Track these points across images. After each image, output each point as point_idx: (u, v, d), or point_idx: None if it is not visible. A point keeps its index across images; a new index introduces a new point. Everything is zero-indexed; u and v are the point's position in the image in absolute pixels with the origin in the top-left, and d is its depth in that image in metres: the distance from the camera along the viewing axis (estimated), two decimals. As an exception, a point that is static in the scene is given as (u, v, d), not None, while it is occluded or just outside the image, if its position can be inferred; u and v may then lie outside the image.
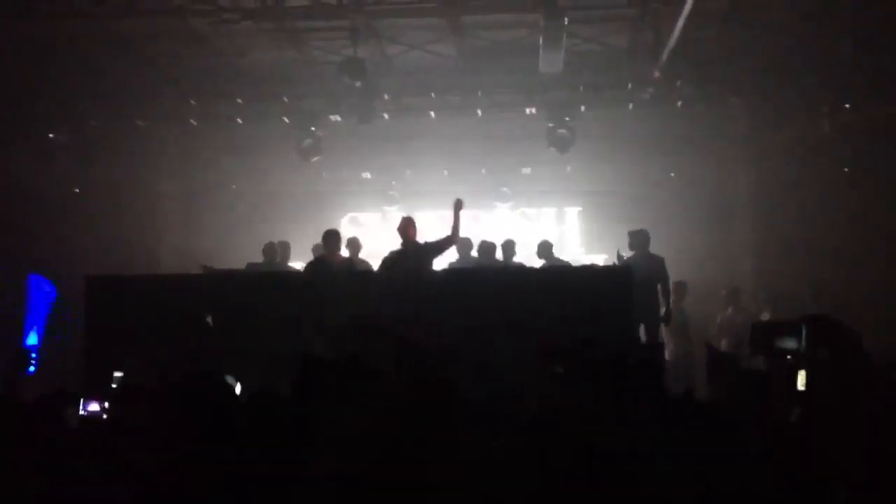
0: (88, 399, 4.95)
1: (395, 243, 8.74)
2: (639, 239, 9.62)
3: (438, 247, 8.59)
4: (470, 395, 3.95)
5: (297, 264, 11.22)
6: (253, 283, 8.43)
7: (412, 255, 8.35)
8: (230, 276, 8.96)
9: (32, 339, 9.54)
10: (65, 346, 8.95)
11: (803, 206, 11.60)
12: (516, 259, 10.34)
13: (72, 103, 11.67)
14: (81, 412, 4.84)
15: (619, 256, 9.50)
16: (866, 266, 10.65)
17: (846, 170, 11.45)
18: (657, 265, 9.41)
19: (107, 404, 4.89)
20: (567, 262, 10.80)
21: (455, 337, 7.09)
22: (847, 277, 10.87)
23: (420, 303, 7.44)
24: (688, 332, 10.54)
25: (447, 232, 8.57)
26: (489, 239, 10.33)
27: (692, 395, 3.77)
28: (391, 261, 8.44)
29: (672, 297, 10.24)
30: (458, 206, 8.58)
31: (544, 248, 10.41)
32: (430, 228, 9.29)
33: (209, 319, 6.98)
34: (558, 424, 3.12)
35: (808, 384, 5.29)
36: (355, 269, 9.31)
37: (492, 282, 8.11)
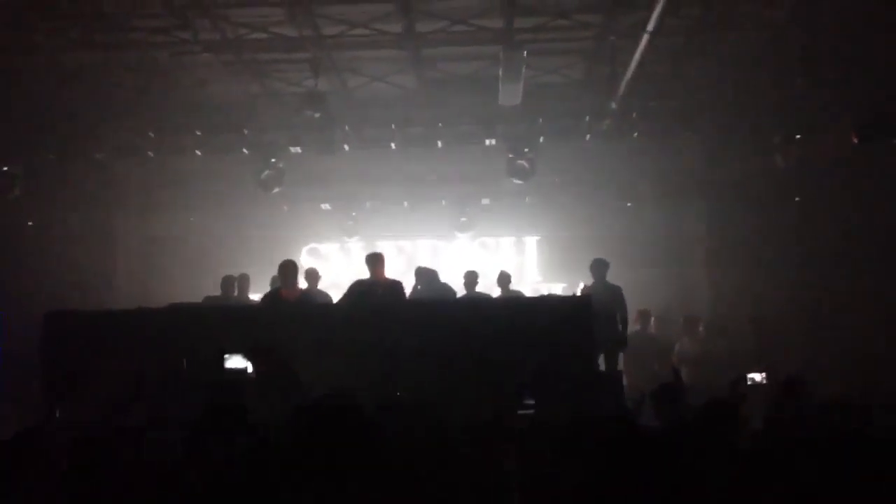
0: None
1: (355, 274, 8.76)
2: (598, 268, 9.74)
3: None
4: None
5: (256, 296, 11.15)
6: (214, 316, 8.25)
7: (386, 289, 8.37)
8: (193, 310, 8.80)
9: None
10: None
11: (756, 237, 11.82)
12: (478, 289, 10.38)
13: (27, 136, 11.49)
14: None
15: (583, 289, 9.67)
16: (821, 291, 10.90)
17: (797, 199, 11.71)
18: (616, 294, 9.52)
19: None
20: (520, 293, 10.90)
21: (421, 367, 7.08)
22: (801, 305, 11.14)
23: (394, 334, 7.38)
24: (651, 358, 10.66)
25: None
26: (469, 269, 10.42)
27: None
28: (358, 292, 8.41)
29: (636, 326, 10.51)
30: None
31: (503, 279, 10.52)
32: (389, 259, 9.30)
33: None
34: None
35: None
36: (312, 301, 9.18)
37: (458, 313, 8.09)
